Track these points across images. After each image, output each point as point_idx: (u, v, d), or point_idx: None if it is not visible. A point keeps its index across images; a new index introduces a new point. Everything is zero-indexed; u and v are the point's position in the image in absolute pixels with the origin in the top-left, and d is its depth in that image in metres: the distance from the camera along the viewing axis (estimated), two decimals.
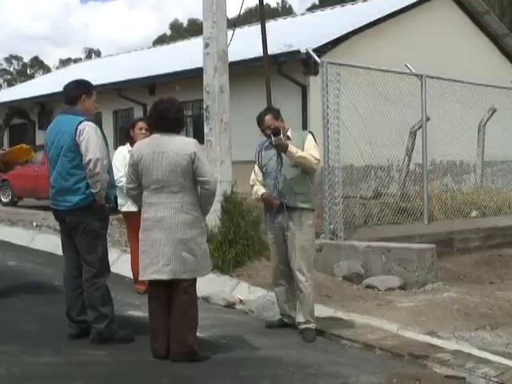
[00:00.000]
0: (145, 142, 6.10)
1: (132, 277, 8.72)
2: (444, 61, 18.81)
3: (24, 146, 8.32)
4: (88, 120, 6.32)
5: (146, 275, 5.92)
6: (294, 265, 6.87)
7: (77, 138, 6.19)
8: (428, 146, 12.76)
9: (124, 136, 8.92)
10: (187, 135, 23.03)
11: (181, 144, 5.87)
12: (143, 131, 8.50)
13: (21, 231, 13.17)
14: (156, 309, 5.92)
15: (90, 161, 6.14)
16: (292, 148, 6.75)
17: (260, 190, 7.07)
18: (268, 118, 7.02)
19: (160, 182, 5.83)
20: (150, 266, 5.85)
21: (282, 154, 6.87)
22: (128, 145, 8.63)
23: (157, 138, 5.97)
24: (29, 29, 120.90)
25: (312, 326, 6.84)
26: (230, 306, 8.22)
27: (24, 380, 5.28)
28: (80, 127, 6.20)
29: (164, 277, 5.81)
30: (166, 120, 5.92)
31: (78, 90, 6.49)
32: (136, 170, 5.95)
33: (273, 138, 6.73)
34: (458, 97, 13.54)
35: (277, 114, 7.08)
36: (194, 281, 5.96)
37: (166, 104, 6.01)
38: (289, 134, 7.04)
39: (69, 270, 6.49)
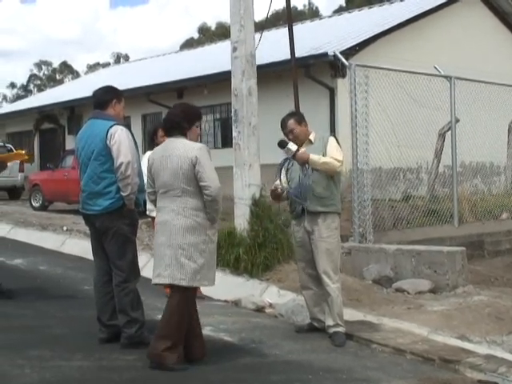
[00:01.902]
0: (159, 147, 6.18)
1: None
2: (473, 62, 18.69)
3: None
4: (119, 124, 6.36)
5: (153, 279, 5.91)
6: (320, 268, 6.86)
7: (108, 141, 6.23)
8: (457, 148, 12.67)
9: (150, 140, 8.92)
10: (215, 139, 23.17)
11: (185, 148, 5.83)
12: (165, 138, 8.51)
13: (51, 235, 13.28)
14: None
15: (121, 164, 6.18)
16: (314, 156, 6.77)
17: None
18: (291, 122, 7.06)
19: (165, 185, 5.85)
20: (154, 269, 5.86)
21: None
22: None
23: (168, 141, 6.02)
24: (58, 34, 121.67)
25: (341, 329, 6.82)
26: (259, 309, 8.22)
27: None
28: (111, 131, 6.24)
29: (164, 281, 5.81)
30: (167, 122, 6.02)
31: (109, 95, 6.56)
32: (152, 174, 6.00)
33: (284, 151, 6.84)
34: (487, 98, 13.44)
35: (300, 119, 7.12)
36: (186, 289, 5.75)
37: (172, 109, 6.17)
38: (311, 137, 7.06)
39: (99, 275, 6.52)
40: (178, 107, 6.16)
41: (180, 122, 5.98)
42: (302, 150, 6.83)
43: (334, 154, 6.84)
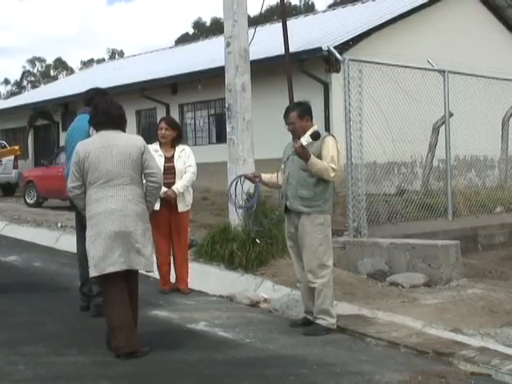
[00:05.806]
0: (91, 139, 6.23)
1: (159, 276, 8.71)
2: (466, 56, 18.72)
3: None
4: None
5: (100, 269, 5.87)
6: (305, 265, 6.90)
7: None
8: (451, 142, 12.68)
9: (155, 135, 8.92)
10: (210, 134, 23.19)
11: (130, 138, 6.12)
12: (163, 131, 8.61)
13: (46, 232, 13.28)
14: (119, 304, 5.92)
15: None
16: (313, 160, 6.66)
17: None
18: (292, 114, 6.99)
19: (109, 174, 5.90)
20: (104, 259, 5.84)
21: (295, 157, 6.85)
22: (157, 144, 8.67)
23: (104, 134, 6.08)
24: (54, 31, 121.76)
25: (322, 322, 6.84)
26: (254, 304, 8.22)
27: (51, 380, 5.33)
28: None
29: (121, 267, 5.85)
30: (110, 118, 6.09)
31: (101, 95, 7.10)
32: (81, 167, 5.98)
33: (298, 142, 6.68)
34: (480, 92, 13.43)
35: (302, 113, 6.99)
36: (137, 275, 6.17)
37: (106, 103, 6.22)
38: (308, 133, 6.83)
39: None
40: (112, 100, 6.35)
41: (124, 115, 6.30)
42: (303, 143, 6.68)
43: (330, 161, 6.73)
